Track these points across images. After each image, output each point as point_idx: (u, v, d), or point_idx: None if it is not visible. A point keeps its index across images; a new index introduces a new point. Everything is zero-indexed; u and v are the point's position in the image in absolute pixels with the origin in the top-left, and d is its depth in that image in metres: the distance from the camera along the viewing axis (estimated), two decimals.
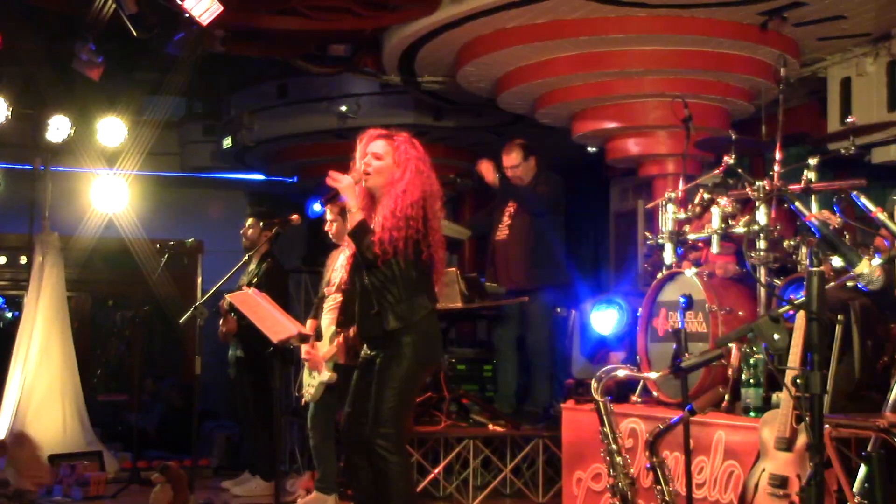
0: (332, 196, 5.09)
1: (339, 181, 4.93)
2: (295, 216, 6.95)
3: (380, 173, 4.97)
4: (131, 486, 7.80)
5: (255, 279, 7.49)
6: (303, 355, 6.59)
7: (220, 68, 11.21)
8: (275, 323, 6.03)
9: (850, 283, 4.71)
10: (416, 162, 4.98)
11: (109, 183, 9.50)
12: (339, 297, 6.54)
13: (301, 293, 10.59)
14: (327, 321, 6.58)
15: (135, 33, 7.15)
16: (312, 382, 6.59)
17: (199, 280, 12.76)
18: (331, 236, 6.78)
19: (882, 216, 4.23)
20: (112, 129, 9.29)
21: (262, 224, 7.70)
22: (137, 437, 8.65)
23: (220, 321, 7.52)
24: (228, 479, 8.01)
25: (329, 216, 6.73)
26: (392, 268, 4.90)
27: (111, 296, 12.96)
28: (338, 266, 6.70)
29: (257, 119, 11.11)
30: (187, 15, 6.94)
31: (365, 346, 5.10)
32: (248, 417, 7.86)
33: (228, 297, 6.62)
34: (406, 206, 4.87)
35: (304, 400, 6.72)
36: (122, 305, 12.89)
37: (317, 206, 6.88)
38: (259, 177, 13.00)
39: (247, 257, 7.43)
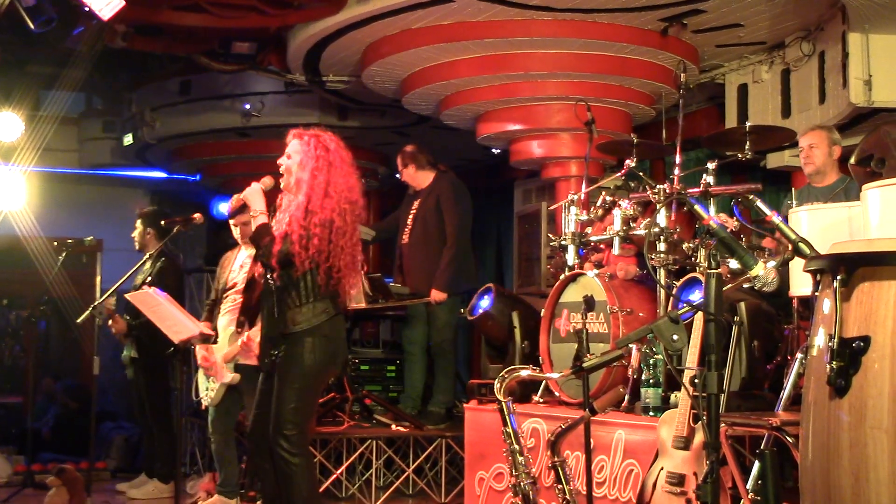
0: (238, 208, 5.09)
1: (250, 187, 4.98)
2: (197, 215, 6.86)
3: (288, 172, 4.99)
4: (25, 490, 7.63)
5: (149, 278, 7.38)
6: (199, 361, 6.49)
7: (121, 63, 11.01)
8: (175, 322, 5.95)
9: (746, 285, 4.83)
10: (320, 161, 4.95)
11: (5, 179, 9.25)
12: (238, 298, 6.46)
13: (203, 293, 10.46)
14: (225, 322, 6.50)
15: (32, 26, 6.98)
16: (212, 386, 6.51)
17: (98, 279, 12.52)
18: (238, 238, 6.69)
19: (777, 220, 4.33)
20: (7, 123, 9.04)
21: (147, 225, 7.64)
22: (32, 439, 8.45)
23: (109, 321, 7.38)
24: (126, 481, 7.88)
25: (233, 220, 6.64)
26: (293, 270, 4.88)
27: (6, 295, 12.64)
28: (236, 266, 6.62)
29: (159, 116, 10.94)
30: (87, 9, 6.81)
31: (268, 347, 5.05)
32: (145, 419, 7.75)
33: (128, 297, 6.51)
34: (312, 209, 4.85)
35: (204, 404, 6.63)
36: (18, 305, 12.56)
37: (223, 207, 6.80)
38: (161, 174, 12.80)
39: (146, 257, 7.34)
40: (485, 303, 6.75)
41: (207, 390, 6.55)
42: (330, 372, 5.25)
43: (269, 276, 4.97)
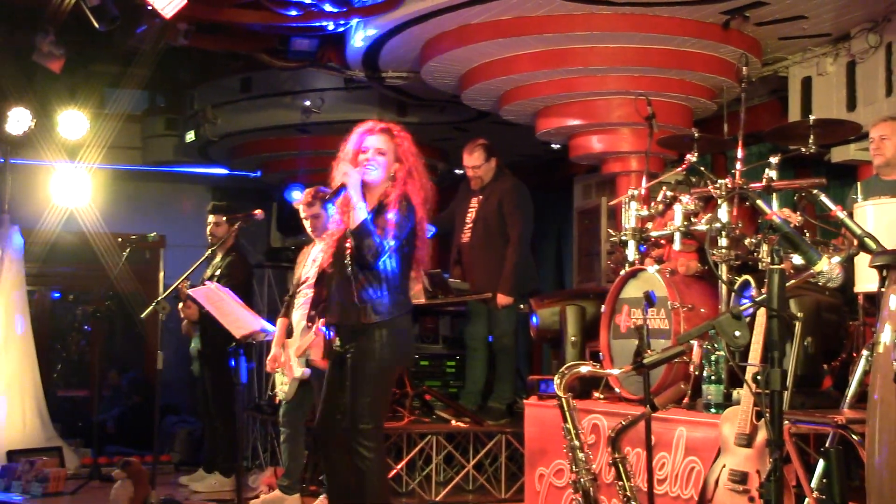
0: (336, 192, 4.99)
1: (350, 176, 4.86)
2: (258, 211, 6.92)
3: (382, 167, 4.95)
4: (92, 483, 7.75)
5: (218, 272, 7.45)
6: (268, 361, 6.56)
7: (183, 62, 11.14)
8: (237, 318, 6.01)
9: (811, 281, 4.76)
10: (415, 158, 5.00)
11: (70, 176, 9.42)
12: (310, 293, 6.50)
13: (264, 288, 10.55)
14: (298, 316, 6.55)
15: (96, 25, 7.09)
16: (285, 381, 6.56)
17: (162, 275, 12.68)
18: (310, 233, 6.73)
19: (841, 215, 4.27)
20: (73, 121, 9.21)
21: (225, 218, 7.64)
22: (98, 432, 8.59)
23: (181, 307, 7.46)
24: (189, 475, 7.97)
25: (304, 212, 6.67)
26: (381, 264, 4.88)
27: (72, 290, 12.85)
28: (309, 261, 6.66)
29: (220, 113, 11.05)
30: (150, 7, 6.90)
31: (336, 338, 5.04)
32: (209, 413, 7.83)
33: (190, 292, 6.58)
34: (408, 206, 4.87)
35: (277, 399, 6.69)
36: (83, 300, 12.77)
37: (296, 194, 6.81)
38: (222, 171, 12.93)
39: (210, 251, 7.40)
40: (534, 319, 6.79)
41: (282, 384, 6.60)
42: (402, 365, 5.26)
43: (350, 266, 4.92)
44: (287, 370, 6.48)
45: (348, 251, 4.91)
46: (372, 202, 4.94)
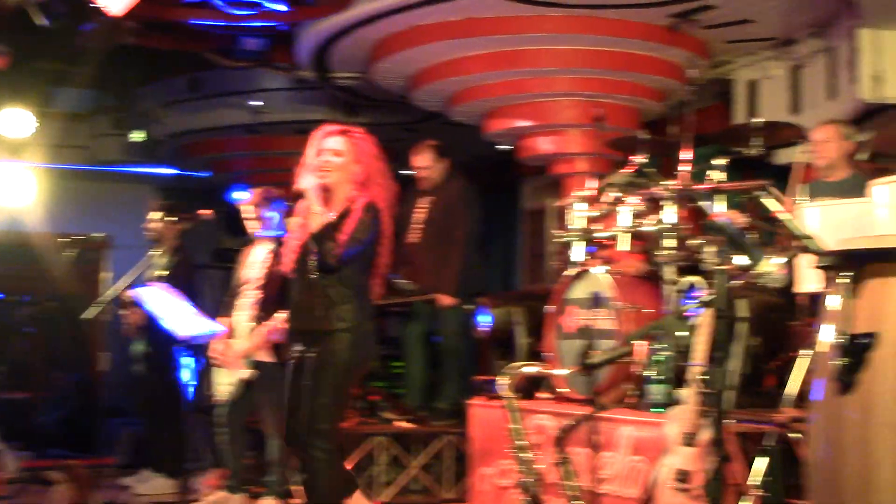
0: (295, 198, 4.97)
1: (307, 181, 4.83)
2: (206, 211, 6.86)
3: (339, 170, 4.87)
4: (32, 486, 7.63)
5: (164, 274, 7.37)
6: (211, 356, 6.49)
7: (130, 60, 11.02)
8: (183, 319, 5.95)
9: (753, 281, 4.81)
10: (374, 159, 4.93)
11: (14, 175, 9.27)
12: (255, 294, 6.46)
13: (211, 289, 10.46)
14: (243, 317, 6.50)
15: (41, 22, 6.99)
16: (227, 381, 6.50)
17: (107, 275, 12.53)
18: (254, 232, 6.68)
19: (785, 216, 4.30)
20: (17, 120, 9.05)
21: (168, 217, 7.59)
22: (39, 435, 8.46)
23: (127, 313, 7.37)
24: (133, 477, 7.88)
25: (251, 213, 6.61)
26: (343, 268, 4.84)
27: (15, 291, 12.65)
28: (255, 261, 6.61)
29: (169, 112, 10.97)
30: (97, 5, 6.82)
31: (298, 342, 5.00)
32: (153, 414, 7.75)
33: (136, 292, 6.51)
34: (369, 208, 4.83)
35: (218, 399, 6.63)
36: (26, 301, 12.58)
37: (242, 194, 6.75)
38: (170, 171, 12.81)
39: (156, 252, 7.33)
40: (485, 319, 6.75)
41: (222, 385, 6.54)
42: (364, 367, 5.26)
43: (313, 271, 4.88)
44: (231, 370, 6.43)
45: (311, 257, 4.88)
46: (337, 206, 4.89)
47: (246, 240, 6.81)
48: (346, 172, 4.88)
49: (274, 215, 6.55)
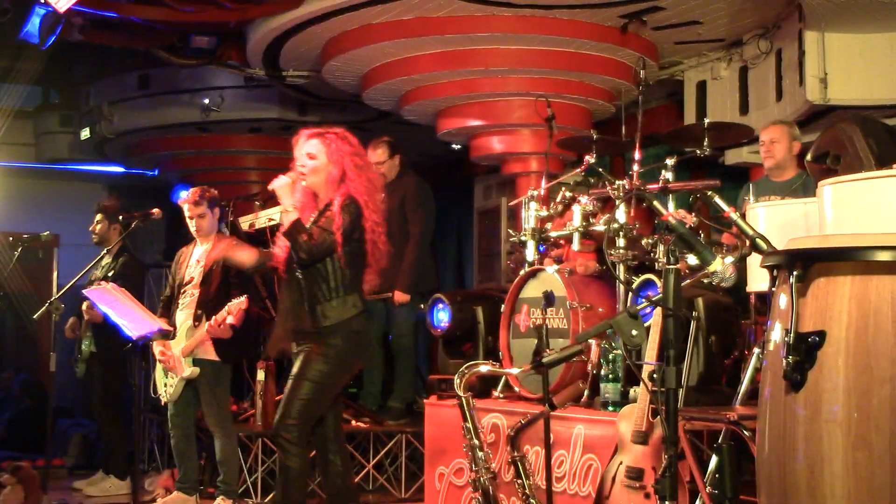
0: (268, 197, 5.11)
1: (278, 181, 4.96)
2: (155, 210, 6.81)
3: (315, 172, 5.01)
4: None
5: (111, 274, 7.31)
6: (157, 356, 6.46)
7: (78, 57, 10.91)
8: (134, 318, 5.91)
9: (704, 281, 4.87)
10: (350, 157, 5.02)
11: None
12: (195, 293, 6.44)
13: (163, 288, 10.37)
14: (183, 316, 6.47)
15: None
16: (171, 381, 6.47)
17: (55, 274, 12.37)
18: (194, 232, 6.65)
19: (734, 216, 4.36)
20: None
21: (109, 219, 7.56)
22: None
23: (85, 308, 7.29)
24: (84, 478, 7.81)
25: (190, 212, 6.58)
26: (326, 265, 4.94)
27: None
28: (192, 261, 6.59)
29: (117, 110, 10.86)
30: (43, 1, 6.74)
31: (291, 341, 5.12)
32: (103, 415, 7.68)
33: (85, 292, 6.44)
34: (346, 203, 4.92)
35: (163, 400, 6.59)
36: None
37: (183, 194, 6.73)
38: (119, 169, 12.69)
39: (104, 252, 7.28)
40: (443, 315, 6.70)
41: (166, 386, 6.51)
42: (353, 369, 5.30)
43: (299, 269, 4.98)
44: (175, 370, 6.40)
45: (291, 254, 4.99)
46: (319, 206, 5.05)
47: (188, 240, 6.78)
48: (323, 173, 5.01)
49: (212, 214, 6.56)
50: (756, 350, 4.71)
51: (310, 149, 5.03)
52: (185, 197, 6.60)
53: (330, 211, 4.96)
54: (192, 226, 6.62)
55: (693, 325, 4.93)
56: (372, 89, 8.45)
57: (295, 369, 4.97)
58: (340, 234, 4.89)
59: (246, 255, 5.31)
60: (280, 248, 5.10)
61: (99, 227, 7.63)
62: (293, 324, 5.06)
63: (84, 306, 7.32)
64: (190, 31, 8.43)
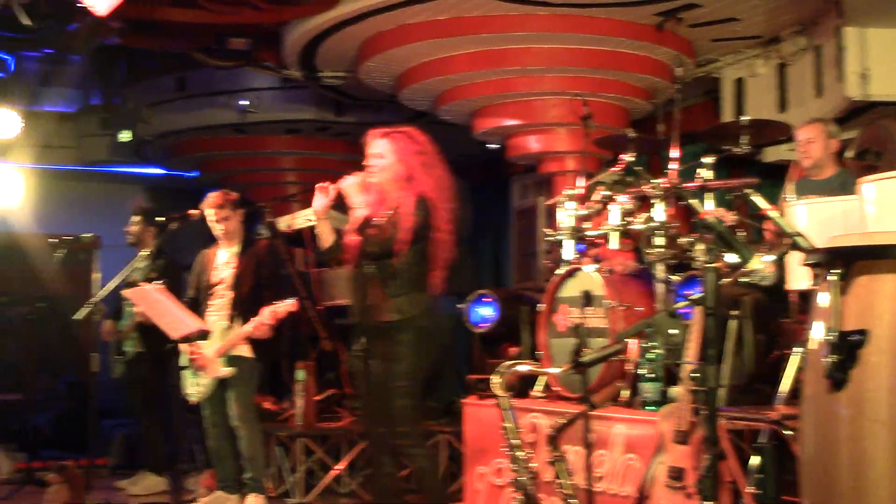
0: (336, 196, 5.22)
1: (345, 180, 5.12)
2: (194, 211, 6.85)
3: (383, 171, 5.14)
4: (26, 487, 7.62)
5: (150, 275, 7.36)
6: (190, 356, 6.50)
7: (117, 60, 11.00)
8: (174, 319, 5.95)
9: (743, 279, 4.84)
10: (417, 156, 5.15)
11: (2, 176, 9.25)
12: (228, 294, 6.47)
13: None
14: (215, 318, 6.50)
15: (28, 22, 6.98)
16: (201, 381, 6.50)
17: (96, 276, 12.50)
18: (219, 236, 6.67)
19: (774, 214, 4.34)
20: (4, 120, 9.03)
21: (146, 221, 7.61)
22: (32, 436, 8.44)
23: (136, 309, 7.34)
24: (126, 478, 7.88)
25: (214, 216, 6.60)
26: (396, 262, 5.04)
27: (4, 292, 12.61)
28: (220, 263, 6.62)
29: (155, 112, 10.94)
30: (83, 5, 6.80)
31: (361, 336, 5.16)
32: (145, 415, 7.74)
33: (127, 294, 6.50)
34: (411, 200, 5.03)
35: (192, 400, 6.62)
36: (16, 302, 12.52)
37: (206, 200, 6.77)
38: (158, 171, 12.79)
39: (141, 254, 7.33)
40: (487, 312, 6.68)
41: (196, 386, 6.54)
42: (430, 359, 5.37)
43: (367, 265, 5.08)
44: (207, 370, 6.42)
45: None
46: (390, 205, 5.14)
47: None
48: (391, 172, 5.13)
49: (235, 217, 6.60)
50: (797, 349, 4.68)
51: (378, 148, 5.16)
52: (207, 201, 6.64)
53: (401, 209, 5.05)
54: (216, 229, 6.64)
55: (739, 323, 4.91)
56: (408, 89, 8.47)
57: (377, 377, 5.08)
58: (410, 233, 4.99)
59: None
60: (351, 243, 5.21)
61: (134, 228, 7.69)
62: (362, 318, 5.14)
63: (135, 308, 7.37)
64: (226, 33, 8.48)
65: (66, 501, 6.43)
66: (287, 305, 6.15)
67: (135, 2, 7.27)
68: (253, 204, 7.38)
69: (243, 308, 6.35)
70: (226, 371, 6.39)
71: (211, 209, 6.61)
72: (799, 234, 4.09)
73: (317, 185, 5.20)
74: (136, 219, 7.72)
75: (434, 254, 5.11)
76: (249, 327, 6.28)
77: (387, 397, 5.04)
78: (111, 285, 6.70)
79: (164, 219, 7.27)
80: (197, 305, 6.61)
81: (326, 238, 5.22)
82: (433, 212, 5.06)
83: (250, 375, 6.47)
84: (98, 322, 6.79)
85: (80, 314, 6.65)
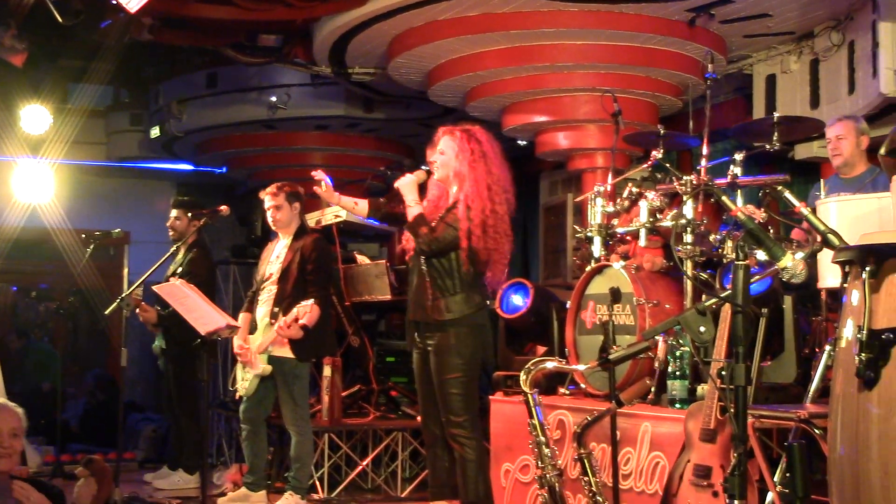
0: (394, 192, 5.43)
1: (403, 177, 5.32)
2: (224, 207, 6.87)
3: (444, 167, 5.30)
4: (55, 480, 7.66)
5: (182, 269, 7.39)
6: (236, 349, 6.51)
7: (148, 56, 11.06)
8: (203, 314, 5.97)
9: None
10: (474, 154, 5.26)
11: (33, 172, 9.32)
12: (273, 289, 6.47)
13: (230, 285, 10.49)
14: (261, 313, 6.52)
15: (60, 19, 7.02)
16: (247, 377, 6.52)
17: (126, 271, 12.59)
18: (272, 224, 6.69)
19: (805, 211, 4.30)
20: (36, 116, 9.10)
21: (188, 214, 7.61)
22: (61, 430, 8.51)
23: (138, 311, 7.36)
24: (154, 472, 7.92)
25: (270, 202, 6.61)
26: (450, 260, 5.18)
27: (35, 287, 12.73)
28: (273, 258, 6.63)
29: (186, 109, 10.98)
30: (114, 2, 6.84)
31: (415, 332, 5.35)
32: (173, 410, 7.77)
33: (155, 289, 6.52)
34: (474, 201, 5.16)
35: (238, 394, 6.65)
36: (46, 297, 12.65)
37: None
38: (187, 167, 12.85)
39: (175, 247, 7.33)
40: (519, 300, 6.65)
41: (242, 380, 6.56)
42: (482, 357, 5.46)
43: (423, 263, 5.22)
44: (249, 365, 6.44)
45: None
46: (447, 202, 5.32)
47: (264, 237, 6.83)
48: (450, 169, 5.30)
49: (289, 207, 6.59)
50: (827, 347, 4.63)
51: (441, 145, 5.30)
52: (266, 189, 6.68)
53: (457, 208, 5.16)
54: (269, 217, 6.68)
55: (763, 322, 4.87)
56: (437, 86, 8.45)
57: (433, 374, 5.22)
58: (464, 232, 5.07)
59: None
60: (406, 240, 5.34)
61: (178, 222, 7.67)
62: (416, 315, 5.29)
63: (136, 310, 7.37)
64: (257, 29, 8.50)
65: (95, 494, 6.45)
66: (305, 306, 6.12)
67: None
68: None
69: (287, 304, 6.34)
70: (262, 369, 6.38)
71: (266, 196, 6.64)
72: (831, 231, 4.06)
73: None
74: (178, 212, 7.69)
75: (487, 254, 5.18)
76: (275, 328, 6.27)
77: (443, 391, 5.16)
78: (142, 280, 6.70)
79: (194, 214, 7.31)
80: (254, 298, 6.64)
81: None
82: (487, 213, 5.13)
83: (293, 375, 6.43)
84: (128, 317, 6.80)
85: (110, 309, 6.69)
